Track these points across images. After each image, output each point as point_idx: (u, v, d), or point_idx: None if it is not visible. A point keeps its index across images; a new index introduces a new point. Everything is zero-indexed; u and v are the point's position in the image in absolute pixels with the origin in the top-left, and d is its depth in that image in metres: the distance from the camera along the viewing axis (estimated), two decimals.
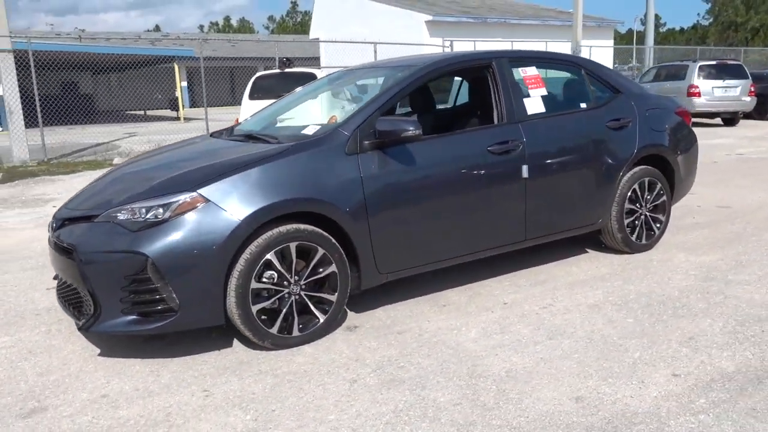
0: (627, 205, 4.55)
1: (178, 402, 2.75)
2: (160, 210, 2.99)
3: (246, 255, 3.06)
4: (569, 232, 4.37)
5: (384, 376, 2.92)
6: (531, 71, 4.24)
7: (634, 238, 4.64)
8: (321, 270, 3.29)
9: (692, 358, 2.99)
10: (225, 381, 2.93)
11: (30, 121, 12.22)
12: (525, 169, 3.94)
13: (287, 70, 10.82)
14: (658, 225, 4.78)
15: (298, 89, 4.94)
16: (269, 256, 3.12)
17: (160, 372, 3.04)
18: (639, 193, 4.60)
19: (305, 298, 3.28)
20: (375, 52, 15.87)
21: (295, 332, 3.25)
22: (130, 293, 2.97)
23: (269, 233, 3.11)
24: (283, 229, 3.15)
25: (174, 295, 2.95)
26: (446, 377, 2.88)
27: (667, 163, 4.77)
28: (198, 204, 3.01)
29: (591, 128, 4.33)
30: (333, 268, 3.31)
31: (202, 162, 3.38)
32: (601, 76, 4.60)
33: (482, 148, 3.80)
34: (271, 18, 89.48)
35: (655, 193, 4.70)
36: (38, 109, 12.71)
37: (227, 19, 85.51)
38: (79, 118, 19.13)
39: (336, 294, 3.35)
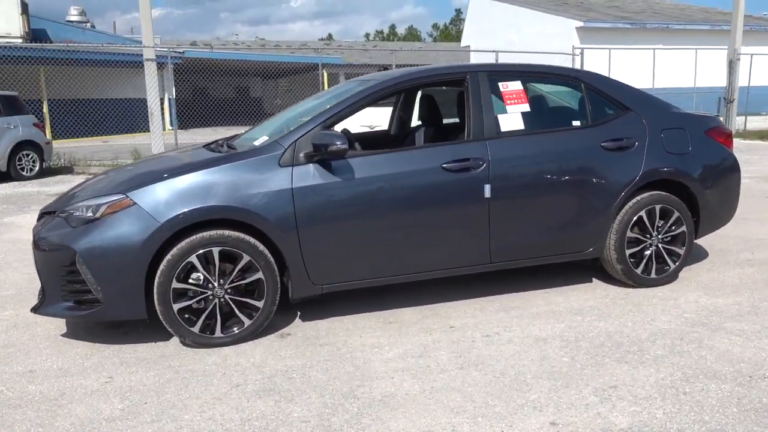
0: (630, 234, 4.14)
1: (81, 384, 3.04)
2: (93, 209, 3.31)
3: (168, 256, 3.28)
4: (551, 258, 4.08)
5: (266, 385, 2.98)
6: (513, 86, 4.02)
7: (639, 270, 4.20)
8: (247, 276, 3.43)
9: (591, 408, 2.69)
10: (133, 371, 3.17)
11: (200, 121, 13.46)
12: (487, 188, 3.75)
13: None
14: (674, 258, 4.28)
15: (321, 93, 4.99)
16: (191, 258, 3.31)
17: (91, 356, 3.36)
18: (648, 222, 4.16)
19: (230, 302, 3.43)
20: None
21: (218, 333, 3.42)
22: (66, 282, 3.32)
23: (192, 237, 3.31)
24: (206, 234, 3.33)
25: (98, 287, 3.25)
26: (321, 393, 2.88)
27: (688, 190, 4.26)
28: (126, 206, 3.28)
29: (579, 148, 4.00)
30: (260, 275, 3.43)
31: (159, 168, 3.67)
32: (605, 91, 4.22)
33: (436, 164, 3.69)
34: (435, 26, 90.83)
35: (670, 222, 4.22)
36: (171, 111, 14.18)
37: (392, 27, 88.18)
38: (247, 119, 20.73)
39: (262, 301, 3.47)
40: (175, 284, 3.31)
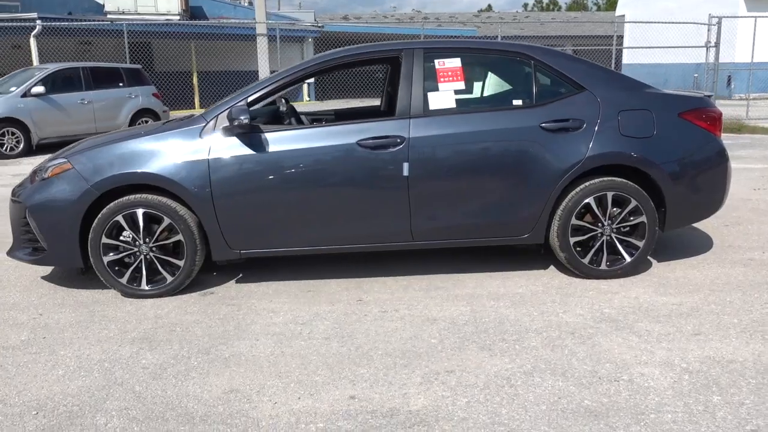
0: (575, 221, 3.90)
1: (15, 317, 3.59)
2: (44, 171, 3.84)
3: (99, 215, 3.72)
4: (482, 241, 3.97)
5: (146, 334, 3.33)
6: (451, 63, 3.92)
7: (586, 260, 3.96)
8: (170, 237, 3.78)
9: (402, 388, 2.70)
10: (61, 311, 3.67)
11: (337, 93, 13.91)
12: (406, 166, 3.75)
13: None
14: (631, 251, 3.97)
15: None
16: (118, 218, 3.73)
17: (45, 295, 3.93)
18: (598, 210, 3.89)
19: (154, 259, 3.81)
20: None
21: (144, 286, 3.82)
22: (24, 232, 3.90)
23: (119, 200, 3.72)
24: (131, 197, 3.73)
25: (43, 238, 3.78)
26: (182, 347, 3.16)
27: (650, 178, 3.90)
28: (66, 169, 3.77)
29: (513, 129, 3.82)
30: (179, 237, 3.77)
31: (111, 136, 4.11)
32: (558, 68, 3.96)
33: (352, 141, 3.75)
34: None
35: (626, 212, 3.91)
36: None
37: None
38: (375, 91, 21.50)
39: (183, 260, 3.81)
40: (104, 239, 3.75)
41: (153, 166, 3.71)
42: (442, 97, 3.87)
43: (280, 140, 3.76)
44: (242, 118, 3.60)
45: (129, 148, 3.77)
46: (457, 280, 4.07)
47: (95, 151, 3.80)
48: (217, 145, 3.74)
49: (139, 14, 25.03)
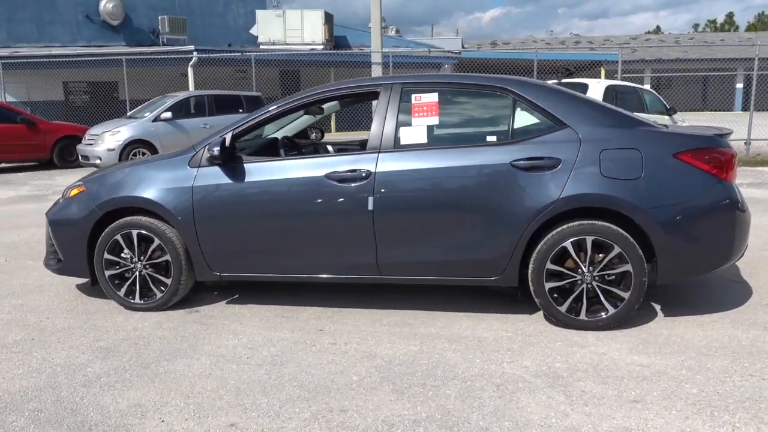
0: (551, 266, 3.67)
1: (19, 319, 4.12)
2: (65, 192, 4.36)
3: (102, 234, 4.16)
4: (450, 280, 3.85)
5: (100, 344, 3.64)
6: (427, 98, 3.88)
7: (563, 308, 3.69)
8: (158, 256, 4.12)
9: (289, 421, 2.73)
10: (58, 316, 4.14)
11: None
12: (371, 201, 3.77)
13: (565, 80, 10.45)
14: (616, 302, 3.63)
15: None
16: (117, 237, 4.14)
17: (63, 301, 4.44)
18: (576, 255, 3.63)
19: (147, 276, 4.17)
20: None
21: (137, 300, 4.19)
22: (50, 245, 4.45)
23: (119, 220, 4.13)
24: (128, 218, 4.12)
25: (59, 250, 4.30)
26: (120, 356, 3.43)
27: (635, 223, 3.56)
28: (80, 191, 4.26)
29: (482, 166, 3.68)
30: (167, 257, 4.10)
31: (130, 162, 4.57)
32: (538, 103, 3.75)
33: (320, 174, 3.84)
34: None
35: (608, 258, 3.60)
36: None
37: (730, 15, 77.21)
38: None
39: (170, 279, 4.12)
40: (106, 255, 4.17)
41: (146, 192, 4.07)
42: (415, 132, 3.85)
43: (257, 171, 3.96)
44: (215, 150, 3.85)
45: (130, 174, 4.18)
46: (431, 317, 3.98)
47: (104, 176, 4.27)
48: (201, 174, 4.02)
49: (287, 44, 26.91)
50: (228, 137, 3.96)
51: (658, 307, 4.05)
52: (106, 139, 11.90)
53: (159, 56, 20.26)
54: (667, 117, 10.59)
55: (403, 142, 3.84)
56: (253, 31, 27.35)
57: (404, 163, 3.79)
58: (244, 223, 3.97)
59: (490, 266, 3.75)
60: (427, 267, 3.84)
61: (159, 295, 4.16)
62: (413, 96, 3.91)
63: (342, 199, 3.81)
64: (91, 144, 12.13)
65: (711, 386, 2.98)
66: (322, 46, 26.87)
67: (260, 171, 3.96)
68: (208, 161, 4.01)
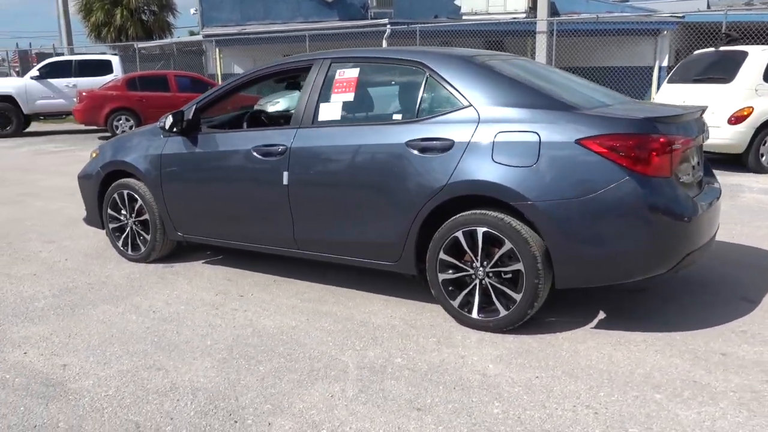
0: (444, 257, 3.41)
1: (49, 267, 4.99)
2: (92, 152, 5.11)
3: (106, 193, 4.83)
4: (359, 261, 3.76)
5: (65, 283, 4.27)
6: (349, 74, 3.77)
7: (456, 303, 3.41)
8: (140, 215, 4.67)
9: (91, 361, 3.05)
10: (91, 278, 4.92)
11: None
12: (285, 175, 3.84)
13: (723, 48, 8.85)
14: (510, 303, 3.26)
15: None
16: (115, 195, 4.76)
17: (110, 268, 5.26)
18: (468, 247, 3.33)
19: (135, 231, 4.74)
20: None
21: (129, 252, 4.80)
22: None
23: (116, 181, 4.75)
24: (122, 180, 4.72)
25: (84, 203, 5.09)
26: (68, 293, 4.02)
27: (524, 217, 3.14)
28: (96, 154, 4.97)
29: (380, 145, 3.51)
30: (147, 216, 4.63)
31: (136, 131, 5.17)
32: (449, 80, 3.42)
33: (249, 147, 3.99)
34: None
35: (500, 255, 3.24)
36: (660, 78, 14.10)
37: None
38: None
39: (149, 234, 4.65)
40: (109, 211, 4.84)
41: (128, 156, 4.62)
42: (331, 109, 3.79)
43: (206, 141, 4.24)
44: (164, 121, 4.22)
45: (126, 140, 4.76)
46: (349, 296, 3.94)
47: (111, 141, 4.92)
48: (170, 143, 4.41)
49: (489, 14, 26.42)
50: (192, 110, 4.30)
51: (597, 319, 3.51)
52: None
53: (361, 29, 21.36)
54: None
55: (320, 118, 3.82)
56: (457, 2, 27.35)
57: (317, 139, 3.77)
58: (195, 190, 4.31)
59: (388, 251, 3.60)
60: (337, 246, 3.81)
61: (142, 248, 4.72)
62: (337, 72, 3.84)
63: (263, 173, 3.93)
64: None
65: (534, 410, 2.59)
66: (524, 14, 25.91)
67: (209, 142, 4.24)
68: (174, 132, 4.39)
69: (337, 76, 3.84)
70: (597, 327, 3.40)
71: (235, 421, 2.57)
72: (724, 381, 2.78)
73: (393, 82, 3.89)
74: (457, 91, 3.40)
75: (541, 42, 13.82)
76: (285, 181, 3.84)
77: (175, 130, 4.29)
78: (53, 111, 15.80)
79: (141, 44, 24.90)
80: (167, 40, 27.31)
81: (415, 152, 3.40)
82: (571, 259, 3.10)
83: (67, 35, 21.18)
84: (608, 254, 3.08)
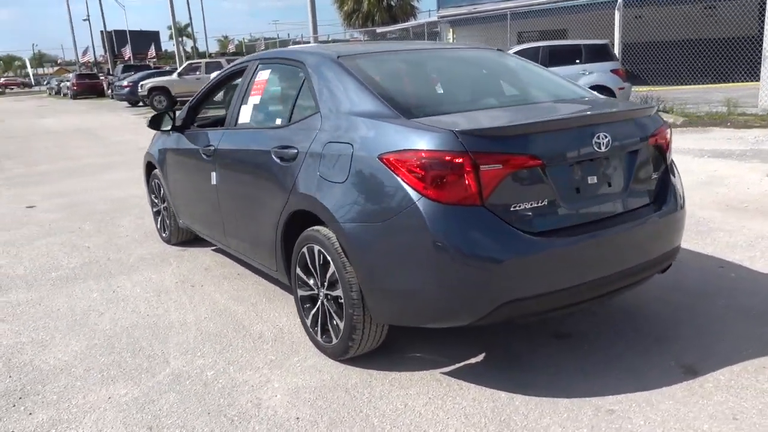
0: (299, 272, 3.22)
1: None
2: None
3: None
4: (261, 265, 3.72)
5: (95, 254, 4.99)
6: (263, 75, 3.69)
7: (308, 322, 3.22)
8: (164, 201, 5.21)
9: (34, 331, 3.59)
10: (130, 253, 5.70)
11: None
12: (214, 176, 3.96)
13: None
14: (338, 332, 2.97)
15: None
16: (152, 183, 5.38)
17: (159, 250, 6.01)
18: (311, 266, 3.10)
19: (164, 216, 5.31)
20: None
21: (163, 233, 5.40)
22: None
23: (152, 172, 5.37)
24: (154, 170, 5.31)
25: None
26: (66, 258, 4.71)
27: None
28: None
29: (258, 152, 3.42)
30: (165, 204, 5.16)
31: None
32: (313, 82, 3.15)
33: (199, 146, 4.17)
34: None
35: (328, 276, 2.97)
36: None
37: None
38: None
39: (168, 220, 5.18)
40: (151, 196, 5.48)
41: (152, 149, 5.16)
42: (246, 111, 3.78)
43: (186, 138, 4.52)
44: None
45: (158, 135, 5.31)
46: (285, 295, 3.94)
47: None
48: (171, 138, 4.82)
49: None
50: (185, 110, 4.65)
51: (464, 362, 2.98)
52: None
53: (594, 0, 19.67)
54: None
55: (240, 120, 3.83)
56: None
57: (231, 142, 3.82)
58: (178, 184, 4.68)
59: (268, 259, 3.52)
60: (249, 248, 3.82)
61: (166, 232, 5.28)
62: (259, 73, 3.80)
63: (204, 172, 4.09)
64: None
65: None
66: None
67: (184, 139, 4.52)
68: (173, 128, 4.76)
69: (257, 78, 3.80)
70: (451, 373, 2.88)
71: None
72: None
73: (286, 84, 3.71)
74: (315, 94, 3.14)
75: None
76: (213, 181, 3.96)
77: (169, 127, 4.68)
78: None
79: (380, 29, 26.50)
80: (404, 24, 28.55)
81: (277, 160, 3.25)
82: (375, 291, 2.68)
83: (313, 26, 23.49)
84: (405, 292, 2.59)
